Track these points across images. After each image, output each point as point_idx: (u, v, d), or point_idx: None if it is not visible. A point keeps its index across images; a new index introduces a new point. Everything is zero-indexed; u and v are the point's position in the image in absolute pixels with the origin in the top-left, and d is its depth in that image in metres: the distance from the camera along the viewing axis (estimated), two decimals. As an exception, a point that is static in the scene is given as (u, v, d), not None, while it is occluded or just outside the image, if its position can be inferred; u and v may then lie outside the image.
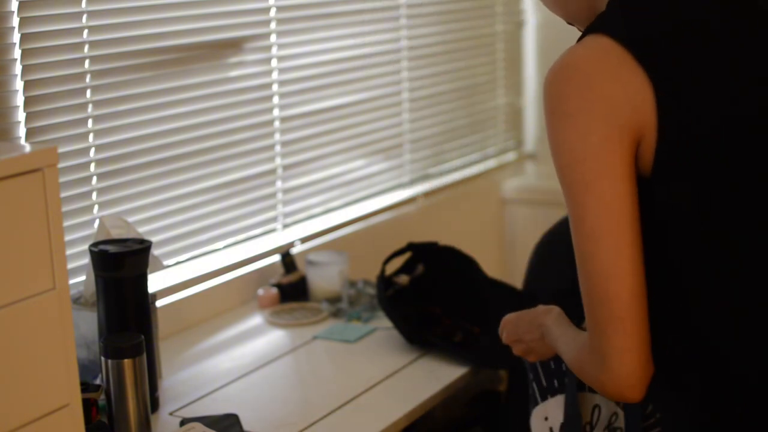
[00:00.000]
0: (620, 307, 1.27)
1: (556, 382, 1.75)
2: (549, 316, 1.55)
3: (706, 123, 1.30)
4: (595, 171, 1.27)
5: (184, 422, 1.76)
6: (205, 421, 1.74)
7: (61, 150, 1.94)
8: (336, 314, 2.30)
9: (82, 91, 2.00)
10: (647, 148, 1.30)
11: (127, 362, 1.69)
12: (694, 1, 1.36)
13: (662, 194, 1.31)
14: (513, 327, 1.63)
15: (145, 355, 1.72)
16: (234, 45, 2.33)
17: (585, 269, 1.29)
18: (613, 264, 1.27)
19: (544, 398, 1.75)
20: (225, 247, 2.38)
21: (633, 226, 1.28)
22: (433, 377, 1.98)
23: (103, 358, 1.71)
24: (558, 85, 1.31)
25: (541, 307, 1.59)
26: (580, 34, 1.41)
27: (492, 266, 2.26)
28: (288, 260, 2.41)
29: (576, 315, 1.47)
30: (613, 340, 1.28)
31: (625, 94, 1.28)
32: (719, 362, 1.34)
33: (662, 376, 1.35)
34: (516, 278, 2.54)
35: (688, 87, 1.30)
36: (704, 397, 1.35)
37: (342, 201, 2.71)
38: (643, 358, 1.28)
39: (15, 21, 1.85)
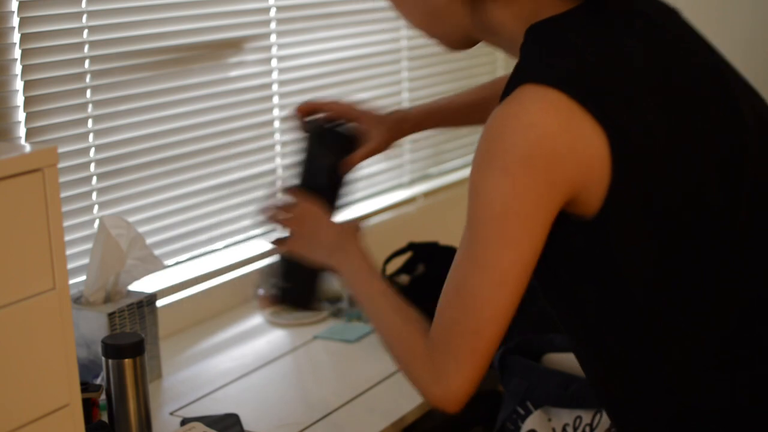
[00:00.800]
0: (486, 344, 1.30)
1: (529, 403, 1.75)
2: (360, 246, 1.54)
3: (661, 169, 1.26)
4: (524, 229, 1.25)
5: (184, 422, 1.76)
6: (206, 421, 1.74)
7: (61, 150, 1.94)
8: (336, 314, 2.30)
9: (82, 91, 2.00)
10: (591, 195, 1.26)
11: (127, 362, 1.69)
12: (628, 42, 1.31)
13: (614, 237, 1.28)
14: (309, 212, 1.59)
15: (145, 355, 1.72)
16: (234, 45, 2.33)
17: (468, 305, 1.30)
18: (501, 310, 1.29)
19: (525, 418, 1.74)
20: (225, 247, 2.38)
21: (529, 278, 1.29)
22: (433, 377, 1.97)
23: (103, 358, 1.71)
24: (498, 136, 1.26)
25: (351, 227, 1.58)
26: None
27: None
28: (288, 260, 2.41)
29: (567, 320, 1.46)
30: (465, 368, 1.31)
31: (572, 150, 1.23)
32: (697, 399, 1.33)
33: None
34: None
35: (640, 131, 1.26)
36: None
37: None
38: (475, 389, 1.33)
39: (15, 21, 1.85)
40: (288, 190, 1.67)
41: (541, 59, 1.29)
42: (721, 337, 1.31)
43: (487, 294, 1.28)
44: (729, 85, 1.37)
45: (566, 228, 1.28)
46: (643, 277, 1.29)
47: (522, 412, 1.76)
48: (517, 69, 1.30)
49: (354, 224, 1.62)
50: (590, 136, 1.23)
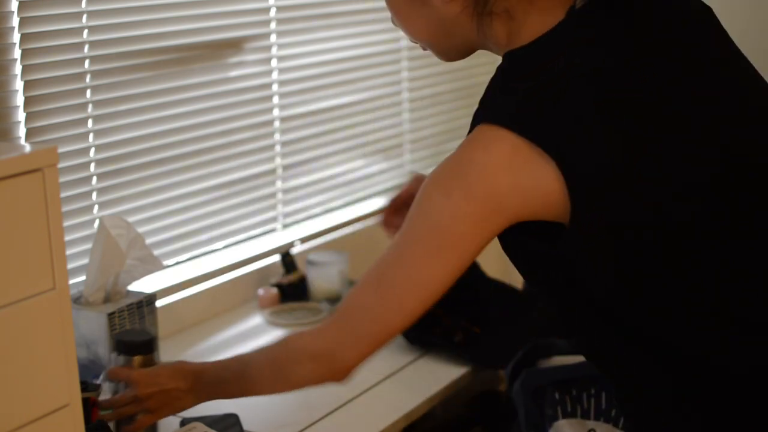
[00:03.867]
0: (385, 336, 1.38)
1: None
2: (195, 375, 1.59)
3: (622, 191, 1.26)
4: (452, 246, 1.31)
5: (184, 422, 1.76)
6: (205, 420, 1.74)
7: (61, 150, 1.94)
8: (336, 314, 2.30)
9: (82, 91, 2.00)
10: (556, 216, 1.27)
11: (137, 359, 1.70)
12: (604, 59, 1.30)
13: (579, 258, 1.29)
14: (151, 378, 1.62)
15: (156, 353, 1.73)
16: (234, 45, 2.33)
17: (382, 297, 1.38)
18: (414, 312, 1.36)
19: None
20: (225, 247, 2.38)
21: (454, 280, 1.34)
22: (433, 377, 1.98)
23: (114, 354, 1.72)
24: (449, 168, 1.32)
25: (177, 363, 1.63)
26: None
27: (492, 266, 2.26)
28: (288, 260, 2.41)
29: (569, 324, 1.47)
30: (360, 347, 1.39)
31: (515, 187, 1.26)
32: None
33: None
34: (516, 278, 2.54)
35: (595, 157, 1.25)
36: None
37: (342, 201, 2.71)
38: (358, 367, 1.42)
39: (15, 21, 1.85)
40: (112, 372, 1.70)
41: (497, 95, 1.35)
42: (701, 346, 1.32)
43: (406, 293, 1.35)
44: (735, 92, 1.36)
45: (546, 235, 1.30)
46: (611, 293, 1.30)
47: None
48: (481, 102, 1.37)
49: (170, 366, 1.65)
50: (540, 169, 1.25)
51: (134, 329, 1.78)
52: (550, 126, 1.25)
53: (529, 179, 1.26)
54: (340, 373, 1.42)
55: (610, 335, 1.36)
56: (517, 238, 1.33)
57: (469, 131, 1.34)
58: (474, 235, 1.31)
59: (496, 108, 1.32)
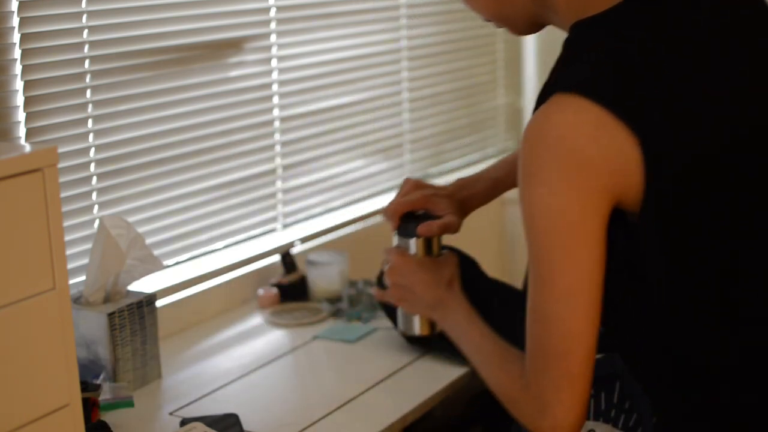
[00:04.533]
0: (577, 363, 1.31)
1: None
2: (458, 298, 1.62)
3: (694, 175, 1.28)
4: (576, 237, 1.28)
5: (184, 422, 1.76)
6: (206, 421, 1.74)
7: (61, 150, 1.94)
8: (336, 314, 2.30)
9: (82, 91, 2.00)
10: (631, 201, 1.28)
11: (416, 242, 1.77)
12: (673, 36, 1.32)
13: (650, 243, 1.30)
14: (410, 271, 1.68)
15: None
16: (234, 45, 2.33)
17: (546, 328, 1.32)
18: (579, 324, 1.30)
19: None
20: (225, 247, 2.38)
21: (600, 288, 1.30)
22: (433, 377, 1.98)
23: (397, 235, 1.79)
24: (534, 151, 1.29)
25: (445, 279, 1.66)
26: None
27: (492, 266, 2.26)
28: (288, 260, 2.41)
29: None
30: (563, 394, 1.31)
31: (604, 157, 1.26)
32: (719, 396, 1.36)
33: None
34: (516, 278, 2.54)
35: (673, 137, 1.27)
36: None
37: (342, 201, 2.71)
38: (584, 412, 1.33)
39: (15, 21, 1.85)
40: (388, 250, 1.77)
41: (573, 65, 1.31)
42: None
43: (559, 311, 1.30)
44: None
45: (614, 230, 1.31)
46: (671, 279, 1.31)
47: None
48: (551, 75, 1.33)
49: (450, 261, 1.72)
50: (621, 141, 1.25)
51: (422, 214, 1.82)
52: (627, 97, 1.26)
53: (612, 149, 1.25)
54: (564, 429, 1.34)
55: (649, 330, 1.37)
56: None
57: (536, 107, 1.32)
58: (587, 225, 1.27)
59: (572, 78, 1.29)
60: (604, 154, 1.25)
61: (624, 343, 1.46)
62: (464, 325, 1.59)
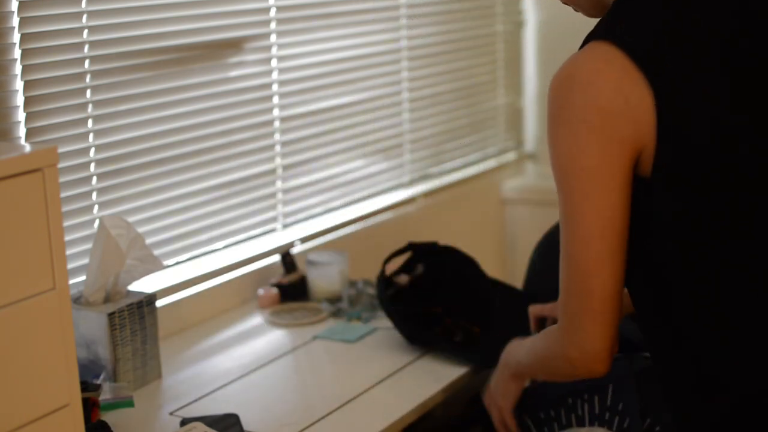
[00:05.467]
0: (597, 301, 1.37)
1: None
2: (513, 351, 1.70)
3: (705, 134, 1.32)
4: (594, 181, 1.33)
5: (184, 422, 1.76)
6: (206, 420, 1.74)
7: (61, 150, 1.94)
8: (336, 314, 2.30)
9: (82, 91, 2.00)
10: (648, 155, 1.33)
11: None
12: (695, 7, 1.37)
13: (660, 201, 1.34)
14: (492, 397, 1.78)
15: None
16: (234, 45, 2.33)
17: (570, 265, 1.38)
18: (597, 265, 1.36)
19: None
20: (225, 247, 2.38)
21: (622, 234, 1.35)
22: (433, 377, 1.98)
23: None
24: (560, 93, 1.35)
25: (503, 356, 1.74)
26: (581, 33, 1.41)
27: (492, 266, 2.26)
28: (288, 260, 2.41)
29: None
30: (588, 326, 1.38)
31: (627, 106, 1.31)
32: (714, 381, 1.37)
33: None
34: (516, 278, 2.54)
35: (688, 96, 1.32)
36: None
37: (342, 201, 2.71)
38: (613, 338, 1.39)
39: (15, 21, 1.85)
40: None
41: (610, 22, 1.37)
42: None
43: (578, 251, 1.36)
44: None
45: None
46: (682, 239, 1.35)
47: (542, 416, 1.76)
48: (591, 31, 1.39)
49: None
50: (641, 94, 1.31)
51: None
52: (654, 55, 1.32)
53: (633, 100, 1.31)
54: (593, 363, 1.41)
55: (648, 294, 1.41)
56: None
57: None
58: (604, 170, 1.32)
59: (607, 31, 1.35)
60: (626, 103, 1.31)
61: (647, 339, 1.49)
62: (521, 357, 1.66)
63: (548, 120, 1.36)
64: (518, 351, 1.68)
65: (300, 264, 2.44)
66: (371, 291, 2.38)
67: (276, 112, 2.46)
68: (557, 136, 1.35)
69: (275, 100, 2.45)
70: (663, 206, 1.34)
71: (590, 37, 1.37)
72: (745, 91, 1.35)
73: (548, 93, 1.37)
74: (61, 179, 1.93)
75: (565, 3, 1.54)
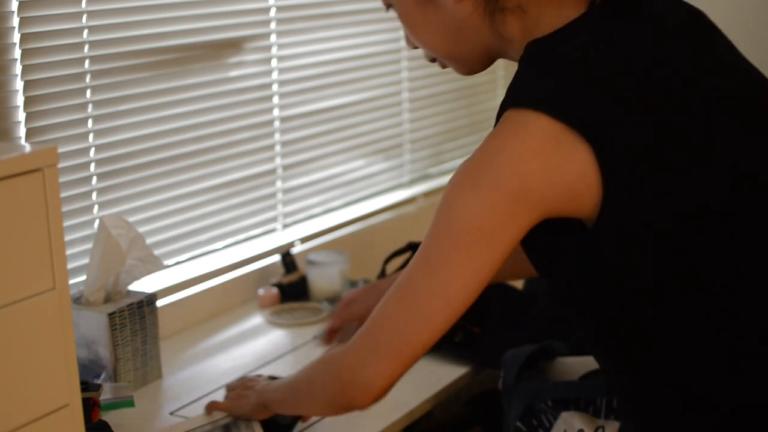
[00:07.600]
0: (421, 351, 1.33)
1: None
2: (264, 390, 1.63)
3: (655, 181, 1.26)
4: (484, 246, 1.26)
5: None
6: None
7: (61, 150, 1.94)
8: (336, 314, 2.30)
9: (82, 91, 2.00)
10: (585, 206, 1.25)
11: None
12: (630, 52, 1.30)
13: (610, 249, 1.27)
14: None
15: None
16: (234, 45, 2.33)
17: (414, 308, 1.30)
18: (446, 325, 1.31)
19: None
20: (225, 247, 2.38)
21: (480, 291, 1.30)
22: (433, 377, 1.97)
23: None
24: (481, 164, 1.26)
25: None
26: None
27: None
28: (288, 260, 2.41)
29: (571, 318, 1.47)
30: (383, 364, 1.34)
31: (551, 184, 1.23)
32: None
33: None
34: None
35: (629, 144, 1.25)
36: None
37: (342, 201, 2.71)
38: (390, 387, 1.37)
39: (15, 21, 1.85)
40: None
41: (527, 80, 1.29)
42: (731, 338, 1.32)
43: (439, 306, 1.29)
44: (752, 89, 1.36)
45: (568, 235, 1.29)
46: (642, 288, 1.29)
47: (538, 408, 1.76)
48: (507, 91, 1.31)
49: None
50: (573, 153, 1.23)
51: None
52: (585, 109, 1.24)
53: (559, 165, 1.23)
54: (361, 395, 1.36)
55: (617, 336, 1.35)
56: (540, 236, 1.29)
57: (495, 123, 1.30)
58: (504, 230, 1.25)
59: (525, 93, 1.27)
60: (546, 168, 1.23)
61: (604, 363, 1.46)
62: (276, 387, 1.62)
63: (459, 179, 1.27)
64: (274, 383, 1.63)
65: (300, 264, 2.44)
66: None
67: (276, 112, 2.46)
68: (464, 201, 1.25)
69: (275, 100, 2.45)
70: (616, 255, 1.27)
71: (506, 105, 1.27)
72: (692, 128, 1.29)
73: (467, 158, 1.28)
74: (61, 179, 1.93)
75: (432, 61, 1.46)
